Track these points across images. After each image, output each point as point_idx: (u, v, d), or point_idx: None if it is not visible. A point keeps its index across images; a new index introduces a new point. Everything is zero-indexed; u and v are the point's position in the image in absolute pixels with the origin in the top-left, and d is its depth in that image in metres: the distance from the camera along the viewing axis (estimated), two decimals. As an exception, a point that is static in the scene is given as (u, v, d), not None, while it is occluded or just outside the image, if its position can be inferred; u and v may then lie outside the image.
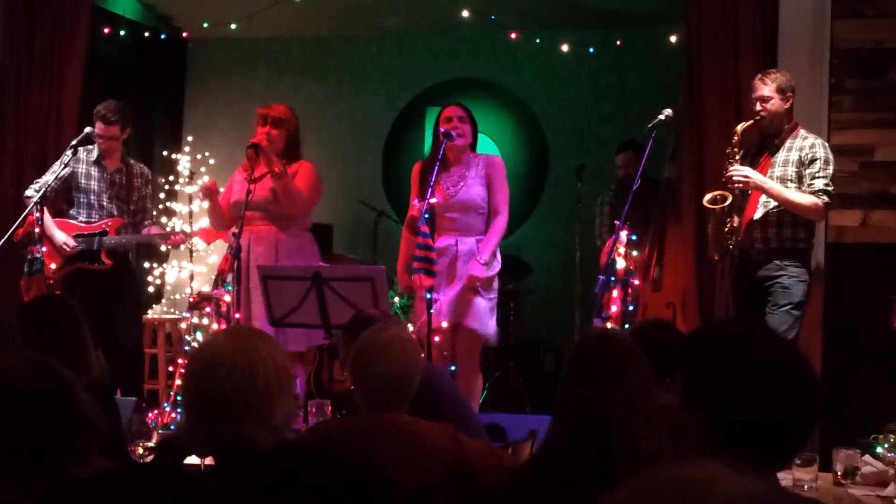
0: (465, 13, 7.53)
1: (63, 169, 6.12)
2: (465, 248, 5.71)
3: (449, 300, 5.63)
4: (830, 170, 5.19)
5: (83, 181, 6.24)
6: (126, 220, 6.30)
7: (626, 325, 5.41)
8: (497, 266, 5.77)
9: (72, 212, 6.27)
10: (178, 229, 8.05)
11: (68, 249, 6.13)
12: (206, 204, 6.15)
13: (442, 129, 5.67)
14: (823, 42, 5.72)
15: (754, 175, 5.17)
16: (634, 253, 6.11)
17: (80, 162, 6.23)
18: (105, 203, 6.27)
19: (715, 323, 4.21)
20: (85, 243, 6.18)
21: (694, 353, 2.08)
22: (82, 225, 6.21)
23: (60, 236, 6.14)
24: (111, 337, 6.10)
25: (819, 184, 5.15)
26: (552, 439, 2.62)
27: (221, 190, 6.13)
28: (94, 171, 6.24)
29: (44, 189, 5.92)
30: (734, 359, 1.99)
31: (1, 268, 6.39)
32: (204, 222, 8.56)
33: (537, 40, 8.20)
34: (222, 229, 6.13)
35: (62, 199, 6.30)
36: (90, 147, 6.27)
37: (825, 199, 5.15)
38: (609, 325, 5.29)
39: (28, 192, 6.10)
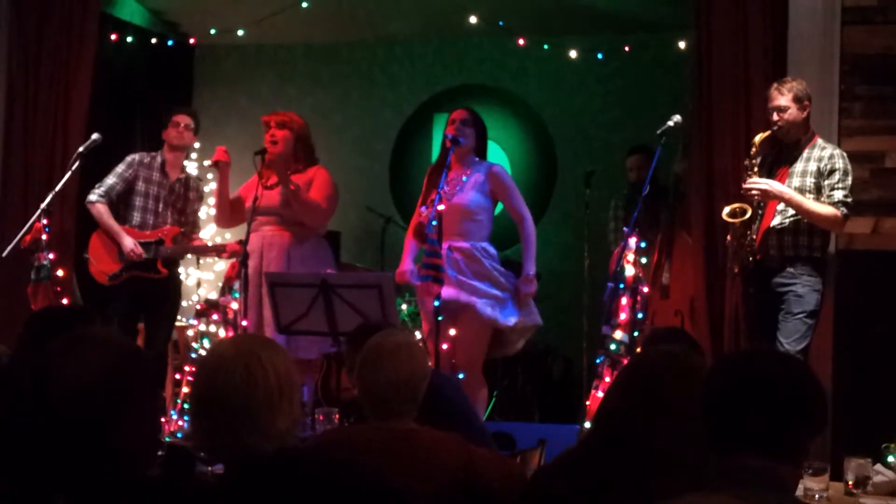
0: (473, 19, 7.52)
1: (128, 171, 6.18)
2: (460, 255, 5.66)
3: (450, 308, 5.58)
4: (849, 181, 5.16)
5: (143, 185, 6.23)
6: (182, 231, 6.30)
7: (636, 333, 5.39)
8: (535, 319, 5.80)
9: (126, 215, 6.24)
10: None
11: (135, 256, 6.11)
12: (213, 186, 6.20)
13: (449, 136, 5.65)
14: (833, 48, 5.69)
15: (773, 185, 5.14)
16: (644, 260, 6.07)
17: (143, 167, 6.24)
18: (161, 210, 6.27)
19: (731, 352, 4.31)
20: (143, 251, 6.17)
21: (714, 378, 2.20)
22: (147, 233, 6.19)
23: (129, 242, 6.12)
24: (147, 344, 6.18)
25: (838, 195, 5.12)
26: (587, 449, 2.59)
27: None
28: (155, 177, 6.24)
29: (51, 195, 5.92)
30: (748, 381, 2.13)
31: (9, 275, 6.39)
32: (211, 229, 8.57)
33: (545, 46, 8.19)
34: (224, 224, 6.17)
35: (122, 202, 6.27)
36: (154, 154, 6.31)
37: (844, 210, 5.12)
38: (618, 332, 5.27)
39: (92, 197, 6.12)
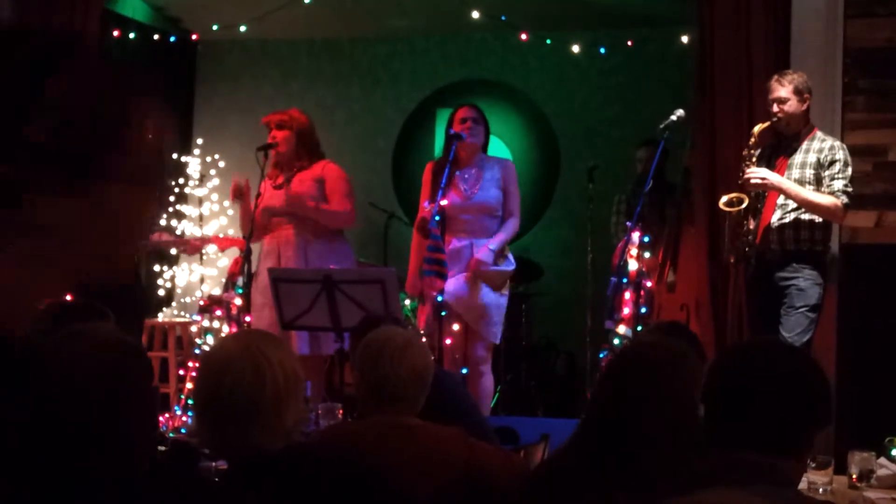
0: (475, 14, 7.51)
1: None
2: (478, 254, 5.70)
3: (458, 296, 5.59)
4: (849, 171, 5.16)
5: None
6: None
7: (639, 328, 5.39)
8: (511, 265, 5.76)
9: None
10: (188, 233, 8.05)
11: None
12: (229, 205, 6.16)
13: (453, 131, 5.66)
14: (836, 41, 5.68)
15: (772, 176, 5.14)
16: (647, 255, 6.07)
17: None
18: None
19: (734, 344, 4.34)
20: None
21: (717, 371, 2.23)
22: None
23: None
24: None
25: (838, 185, 5.12)
26: (578, 441, 2.60)
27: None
28: None
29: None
30: (753, 374, 2.15)
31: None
32: (214, 226, 8.58)
33: (548, 41, 8.17)
34: (257, 238, 5.99)
35: None
36: None
37: (845, 199, 5.12)
38: (621, 327, 5.27)
39: None
